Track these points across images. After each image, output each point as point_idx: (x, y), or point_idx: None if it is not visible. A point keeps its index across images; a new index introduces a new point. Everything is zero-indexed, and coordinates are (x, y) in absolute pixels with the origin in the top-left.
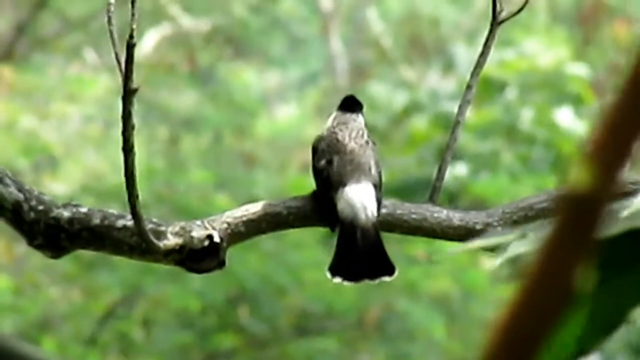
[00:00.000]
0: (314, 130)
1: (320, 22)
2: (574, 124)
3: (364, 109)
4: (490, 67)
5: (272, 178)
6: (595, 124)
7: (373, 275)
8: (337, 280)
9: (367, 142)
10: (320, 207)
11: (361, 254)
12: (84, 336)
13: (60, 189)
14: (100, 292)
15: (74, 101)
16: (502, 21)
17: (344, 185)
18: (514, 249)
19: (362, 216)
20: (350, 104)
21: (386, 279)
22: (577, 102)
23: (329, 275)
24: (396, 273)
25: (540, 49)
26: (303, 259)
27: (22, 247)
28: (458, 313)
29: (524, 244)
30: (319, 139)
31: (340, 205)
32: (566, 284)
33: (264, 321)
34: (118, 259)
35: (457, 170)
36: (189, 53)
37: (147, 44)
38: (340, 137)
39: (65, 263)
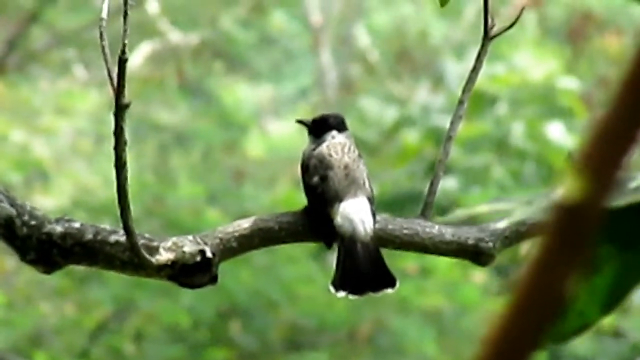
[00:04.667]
0: (305, 144)
1: (311, 37)
2: (565, 137)
3: (349, 126)
4: (481, 82)
5: (262, 193)
6: (587, 134)
7: (376, 288)
8: (342, 294)
9: (359, 156)
10: (315, 223)
11: (363, 268)
12: (76, 350)
13: (51, 203)
14: (92, 307)
15: (65, 115)
16: (494, 36)
17: (340, 200)
18: (520, 213)
19: (361, 230)
20: (334, 123)
21: (389, 291)
22: (568, 115)
23: (332, 290)
24: (397, 285)
25: (531, 63)
26: (295, 274)
27: (13, 261)
28: (450, 327)
29: (530, 210)
30: (309, 156)
31: (339, 221)
32: (558, 294)
33: (255, 335)
34: (110, 274)
35: (448, 184)
36: (178, 67)
37: (137, 58)
38: (332, 153)
39: (57, 277)
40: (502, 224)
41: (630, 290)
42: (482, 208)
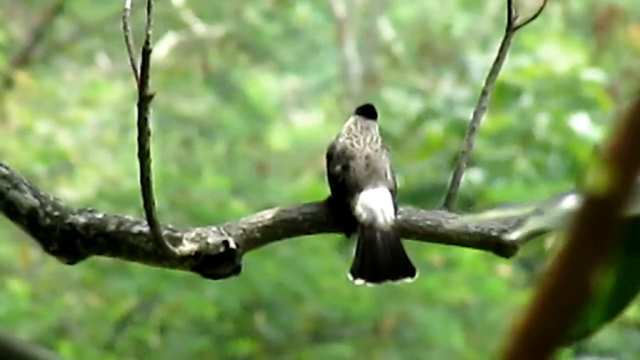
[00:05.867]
0: (329, 136)
1: (335, 29)
2: (590, 129)
3: (378, 117)
4: (505, 74)
5: (286, 185)
6: (614, 126)
7: (394, 277)
8: (359, 282)
9: (382, 147)
10: (336, 213)
11: (382, 256)
12: (101, 342)
13: (75, 194)
14: (117, 298)
15: (90, 107)
16: (518, 27)
17: (360, 190)
18: (532, 223)
19: (381, 220)
20: (368, 111)
21: (408, 280)
22: (593, 107)
23: (350, 277)
24: (417, 275)
25: (556, 55)
26: (319, 266)
27: (37, 252)
28: (475, 320)
29: (542, 219)
30: (333, 145)
31: (358, 210)
32: (584, 288)
33: (280, 327)
34: (134, 265)
35: (473, 177)
36: (203, 59)
37: (161, 50)
38: (355, 143)
39: (81, 269)
40: (515, 235)
41: (634, 296)
42: (491, 214)
